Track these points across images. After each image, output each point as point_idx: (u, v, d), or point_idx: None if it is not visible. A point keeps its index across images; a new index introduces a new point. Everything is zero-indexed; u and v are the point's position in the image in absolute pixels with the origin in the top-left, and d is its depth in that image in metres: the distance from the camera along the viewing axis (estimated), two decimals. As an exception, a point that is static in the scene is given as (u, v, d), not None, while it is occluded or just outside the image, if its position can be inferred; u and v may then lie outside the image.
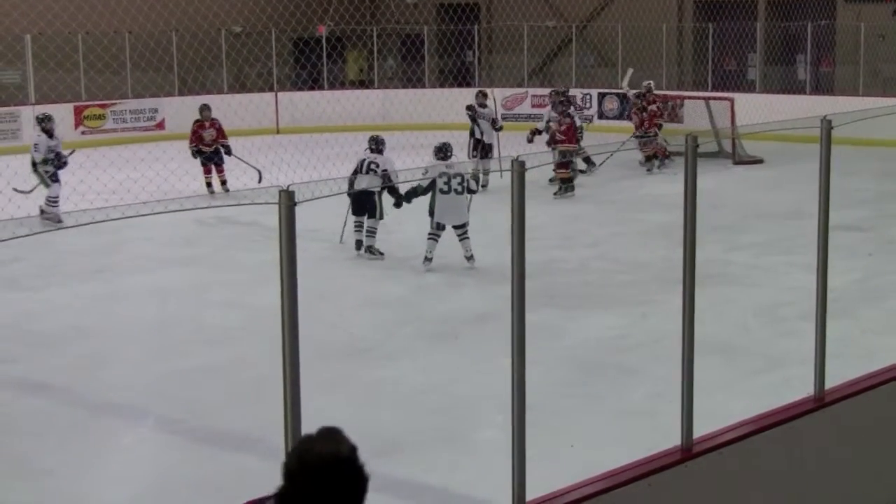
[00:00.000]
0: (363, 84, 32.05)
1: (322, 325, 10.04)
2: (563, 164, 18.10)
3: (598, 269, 13.07)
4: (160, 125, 27.01)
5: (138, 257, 13.84)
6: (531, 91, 28.99)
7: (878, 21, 26.51)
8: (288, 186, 3.92)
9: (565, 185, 18.06)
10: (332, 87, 30.24)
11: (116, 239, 14.12)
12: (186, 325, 10.84)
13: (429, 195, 13.26)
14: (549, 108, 20.24)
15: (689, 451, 5.16)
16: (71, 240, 13.56)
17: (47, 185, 16.17)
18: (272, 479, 2.98)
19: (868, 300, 11.26)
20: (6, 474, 7.38)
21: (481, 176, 18.18)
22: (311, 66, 30.14)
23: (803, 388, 6.01)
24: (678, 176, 5.18)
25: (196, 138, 18.87)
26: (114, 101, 26.72)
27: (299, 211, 3.88)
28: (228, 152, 18.79)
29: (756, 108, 22.40)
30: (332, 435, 3.11)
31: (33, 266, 13.21)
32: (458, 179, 13.20)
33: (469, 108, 19.00)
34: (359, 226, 13.91)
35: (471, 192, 13.71)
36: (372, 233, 13.83)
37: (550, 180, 18.38)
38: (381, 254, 13.78)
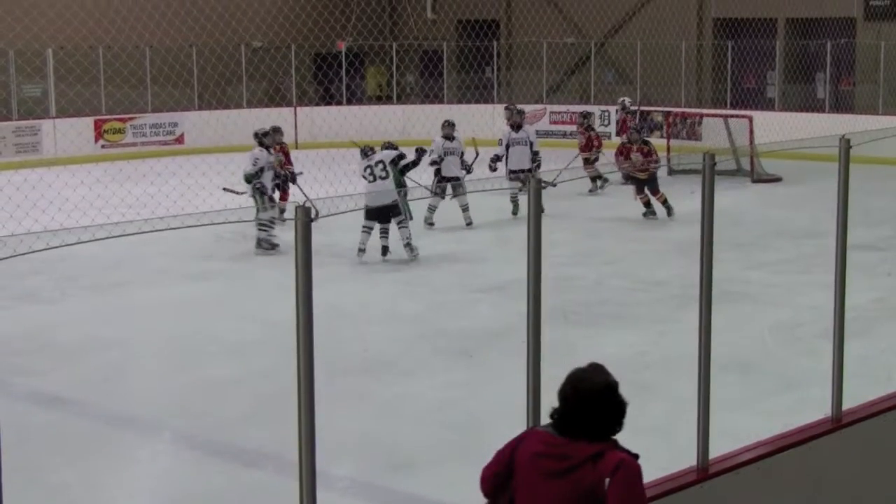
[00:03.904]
0: (382, 100, 32.11)
1: (338, 341, 10.03)
2: (653, 190, 17.38)
3: (616, 286, 13.03)
4: (179, 139, 27.11)
5: (156, 271, 13.87)
6: (550, 108, 28.99)
7: (898, 40, 26.46)
8: (305, 202, 3.93)
9: (666, 205, 17.23)
10: (351, 102, 30.31)
11: (134, 253, 14.14)
12: (203, 339, 10.85)
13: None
14: (507, 128, 18.09)
15: (705, 472, 5.13)
16: (88, 253, 13.59)
17: (259, 210, 15.29)
18: (287, 495, 2.98)
19: (887, 320, 11.19)
20: (22, 486, 7.36)
21: (463, 213, 16.63)
22: (329, 81, 30.24)
23: (821, 409, 5.97)
24: (696, 194, 5.17)
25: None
26: (133, 116, 26.83)
27: (317, 226, 3.88)
28: (293, 180, 17.02)
29: (775, 126, 22.37)
30: (600, 368, 3.88)
31: (52, 279, 13.25)
32: (381, 167, 14.27)
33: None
34: (384, 232, 14.29)
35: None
36: (405, 227, 14.33)
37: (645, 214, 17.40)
38: (416, 248, 14.35)
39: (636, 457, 3.77)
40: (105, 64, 26.76)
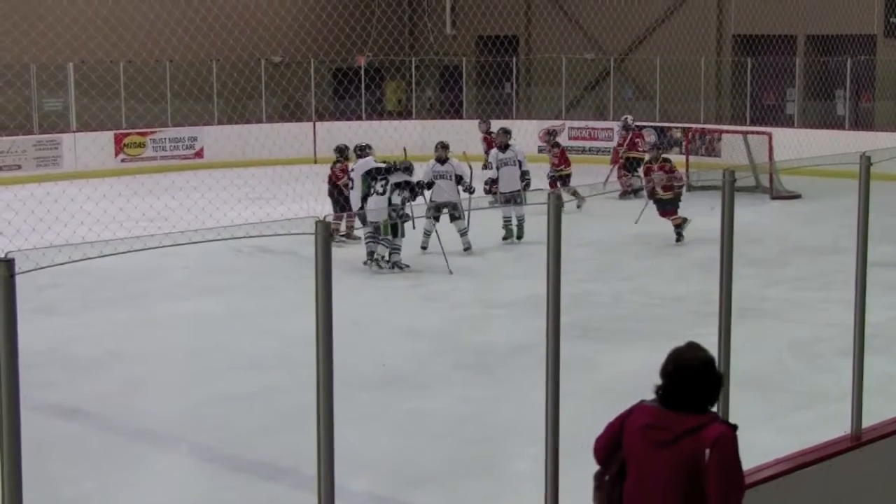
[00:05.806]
0: (401, 114, 32.15)
1: (357, 355, 10.04)
2: (668, 212, 16.69)
3: (634, 302, 13.01)
4: (199, 154, 27.20)
5: (175, 285, 13.91)
6: (569, 123, 29.00)
7: (918, 56, 26.39)
8: (325, 217, 3.95)
9: (678, 230, 16.58)
10: (370, 117, 30.36)
11: (154, 266, 14.18)
12: (221, 352, 10.87)
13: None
14: (494, 150, 17.42)
15: (723, 488, 5.11)
16: (108, 266, 13.65)
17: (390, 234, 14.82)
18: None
19: (907, 337, 11.13)
20: (39, 499, 7.40)
21: (461, 238, 15.75)
22: (349, 96, 30.31)
23: (840, 426, 5.95)
24: (715, 210, 5.17)
25: (344, 178, 16.52)
26: (154, 130, 26.94)
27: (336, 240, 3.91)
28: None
29: (794, 143, 22.30)
30: (697, 345, 4.20)
31: (71, 292, 13.29)
32: (383, 183, 14.70)
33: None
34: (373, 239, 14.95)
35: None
36: (396, 250, 14.65)
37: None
38: (408, 266, 14.70)
39: (735, 428, 4.10)
40: (126, 78, 26.90)
